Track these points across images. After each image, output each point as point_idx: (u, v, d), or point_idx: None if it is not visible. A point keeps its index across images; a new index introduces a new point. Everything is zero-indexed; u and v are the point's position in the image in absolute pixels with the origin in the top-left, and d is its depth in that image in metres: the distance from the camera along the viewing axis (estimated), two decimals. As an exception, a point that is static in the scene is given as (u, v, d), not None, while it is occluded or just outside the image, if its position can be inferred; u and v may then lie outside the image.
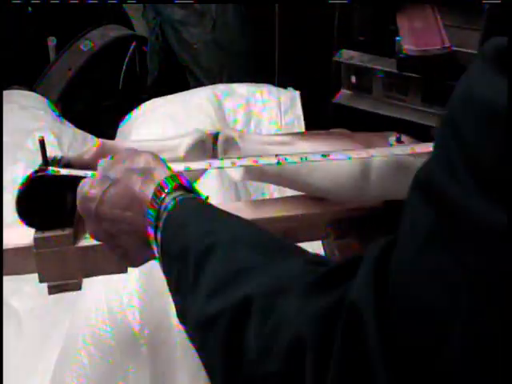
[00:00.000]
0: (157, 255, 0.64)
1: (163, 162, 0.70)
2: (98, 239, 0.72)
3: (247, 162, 0.76)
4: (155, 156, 0.70)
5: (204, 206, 0.65)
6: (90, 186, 0.69)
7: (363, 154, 0.78)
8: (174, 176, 0.66)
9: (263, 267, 0.53)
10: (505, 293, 0.34)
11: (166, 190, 0.64)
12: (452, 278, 0.36)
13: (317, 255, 0.56)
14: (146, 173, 0.67)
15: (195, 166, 0.77)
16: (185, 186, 0.66)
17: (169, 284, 0.62)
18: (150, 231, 0.64)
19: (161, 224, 0.63)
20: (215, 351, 0.52)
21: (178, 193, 0.64)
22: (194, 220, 0.62)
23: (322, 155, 0.76)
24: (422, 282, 0.38)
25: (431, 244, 0.37)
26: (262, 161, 0.76)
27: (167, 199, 0.64)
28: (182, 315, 0.59)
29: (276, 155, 0.77)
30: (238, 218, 0.63)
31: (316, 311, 0.45)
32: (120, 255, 0.72)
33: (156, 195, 0.64)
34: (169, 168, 0.68)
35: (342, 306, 0.43)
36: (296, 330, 0.45)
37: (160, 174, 0.67)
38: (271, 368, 0.47)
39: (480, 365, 0.35)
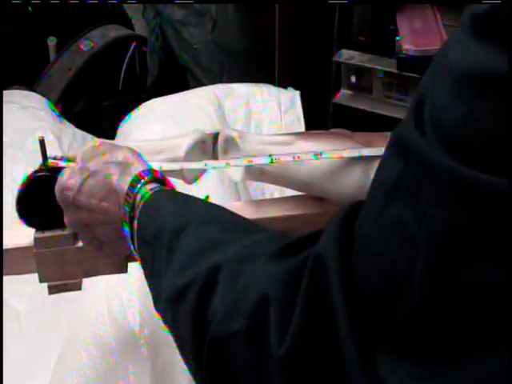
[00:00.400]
0: (131, 248, 0.65)
1: (141, 157, 0.72)
2: (74, 229, 0.74)
3: (242, 162, 0.77)
4: (133, 152, 0.72)
5: (178, 194, 0.67)
6: (68, 175, 0.71)
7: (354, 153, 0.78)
8: (150, 170, 0.69)
9: (232, 241, 0.55)
10: (463, 244, 0.34)
11: (142, 181, 0.67)
12: (412, 230, 0.36)
13: (284, 233, 0.57)
14: (123, 166, 0.69)
15: (191, 166, 0.78)
16: (160, 180, 0.68)
17: (145, 270, 0.63)
18: (126, 218, 0.66)
19: (137, 213, 0.64)
20: (185, 322, 0.52)
21: (153, 185, 0.67)
22: (168, 205, 0.64)
23: (314, 155, 0.77)
24: (383, 233, 0.39)
25: (395, 195, 0.38)
26: (257, 160, 0.77)
27: (143, 190, 0.66)
28: (157, 299, 0.60)
29: (270, 155, 0.77)
30: (211, 203, 0.67)
31: (281, 271, 0.46)
32: (96, 247, 0.73)
33: (132, 186, 0.67)
34: (148, 165, 0.70)
35: (306, 263, 0.44)
36: (261, 290, 0.46)
37: (137, 168, 0.69)
38: (235, 327, 0.47)
39: (439, 317, 0.36)
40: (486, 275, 0.33)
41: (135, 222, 0.65)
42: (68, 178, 0.71)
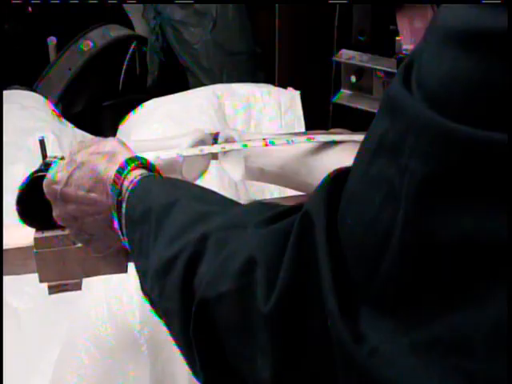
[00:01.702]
0: (120, 234, 0.65)
1: (128, 147, 0.72)
2: (63, 223, 0.73)
3: (237, 146, 0.78)
4: (121, 142, 0.72)
5: (167, 178, 0.68)
6: (56, 169, 0.71)
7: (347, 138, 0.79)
8: (138, 157, 0.69)
9: (221, 213, 0.55)
10: (441, 194, 0.35)
11: (129, 168, 0.66)
12: (395, 183, 0.37)
13: (274, 203, 0.58)
14: (110, 155, 0.69)
15: (187, 152, 0.78)
16: (148, 167, 0.68)
17: (132, 251, 0.63)
18: (114, 204, 0.66)
19: (125, 198, 0.64)
20: (172, 292, 0.53)
21: (141, 170, 0.67)
22: (156, 187, 0.64)
23: (307, 139, 0.77)
24: (368, 189, 0.39)
25: (380, 151, 0.39)
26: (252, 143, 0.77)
27: (131, 175, 0.66)
28: (144, 277, 0.60)
29: (263, 138, 0.78)
30: (200, 186, 0.66)
31: (268, 233, 0.47)
32: (85, 241, 0.73)
33: (119, 172, 0.66)
34: (137, 155, 0.70)
35: (292, 225, 0.44)
36: (248, 252, 0.47)
37: (123, 156, 0.69)
38: (223, 288, 0.48)
39: (418, 269, 0.36)
40: (461, 223, 0.34)
41: (123, 206, 0.64)
42: (56, 172, 0.71)
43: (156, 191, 0.63)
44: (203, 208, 0.57)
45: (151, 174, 0.67)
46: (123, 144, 0.72)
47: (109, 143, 0.71)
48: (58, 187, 0.70)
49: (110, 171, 0.67)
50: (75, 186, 0.69)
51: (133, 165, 0.67)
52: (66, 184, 0.70)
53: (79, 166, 0.70)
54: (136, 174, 0.66)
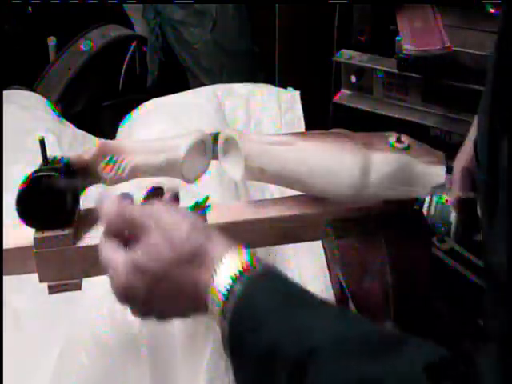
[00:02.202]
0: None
1: (207, 230, 0.61)
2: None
3: None
4: (196, 224, 0.60)
5: (278, 285, 0.57)
6: (126, 278, 0.61)
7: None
8: (231, 252, 0.58)
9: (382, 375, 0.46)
10: None
11: (228, 276, 0.56)
12: None
13: (435, 348, 0.48)
14: (196, 259, 0.58)
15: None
16: (245, 261, 0.57)
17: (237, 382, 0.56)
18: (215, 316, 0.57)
19: (228, 314, 0.55)
20: None
21: (241, 273, 0.56)
22: (273, 310, 0.53)
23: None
24: None
25: None
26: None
27: (231, 286, 0.56)
28: None
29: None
30: (324, 303, 0.55)
31: None
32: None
33: (217, 285, 0.56)
34: (223, 246, 0.59)
35: None
36: None
37: (214, 256, 0.58)
38: None
39: None
40: None
41: (225, 324, 0.55)
42: (127, 281, 0.61)
43: (274, 317, 0.52)
44: (356, 368, 0.47)
45: (254, 275, 0.56)
46: (199, 227, 0.60)
47: (185, 239, 0.59)
48: (136, 302, 0.62)
49: (202, 282, 0.57)
50: (159, 300, 0.61)
51: (231, 271, 0.56)
52: (148, 300, 0.61)
53: (159, 279, 0.59)
54: (238, 283, 0.55)
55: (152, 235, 0.61)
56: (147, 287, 0.60)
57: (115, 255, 0.64)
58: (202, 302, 0.58)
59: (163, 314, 0.63)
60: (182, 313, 0.62)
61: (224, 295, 0.56)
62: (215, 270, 0.57)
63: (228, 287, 0.56)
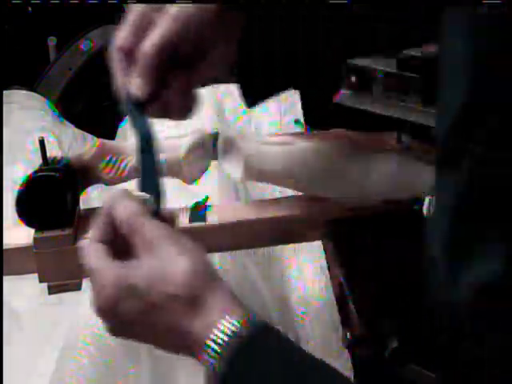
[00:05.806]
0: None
1: (213, 274, 0.58)
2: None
3: None
4: (196, 265, 0.57)
5: (277, 345, 0.55)
6: (116, 295, 0.57)
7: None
8: (231, 305, 0.56)
9: None
10: None
11: (226, 330, 0.54)
12: None
13: None
14: (193, 303, 0.56)
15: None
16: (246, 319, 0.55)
17: None
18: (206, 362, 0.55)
19: (223, 366, 0.53)
20: None
21: (240, 325, 0.55)
22: (270, 373, 0.52)
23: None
24: None
25: None
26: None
27: (228, 343, 0.54)
28: None
29: None
30: (326, 367, 0.54)
31: None
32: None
33: (214, 336, 0.55)
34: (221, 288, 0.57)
35: None
36: None
37: (212, 305, 0.56)
38: None
39: None
40: None
41: (219, 376, 0.54)
42: (115, 304, 0.57)
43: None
44: None
45: (253, 331, 0.54)
46: (198, 269, 0.57)
47: (181, 278, 0.56)
48: (125, 330, 0.60)
49: (197, 328, 0.55)
50: (148, 332, 0.59)
51: (229, 325, 0.54)
52: (137, 332, 0.59)
53: (151, 309, 0.56)
54: (236, 336, 0.54)
55: (158, 259, 0.58)
56: (138, 315, 0.57)
57: (103, 264, 0.60)
58: (193, 349, 0.56)
59: (142, 341, 0.62)
60: (164, 347, 0.61)
61: (220, 353, 0.54)
62: (214, 324, 0.55)
63: (226, 343, 0.54)
